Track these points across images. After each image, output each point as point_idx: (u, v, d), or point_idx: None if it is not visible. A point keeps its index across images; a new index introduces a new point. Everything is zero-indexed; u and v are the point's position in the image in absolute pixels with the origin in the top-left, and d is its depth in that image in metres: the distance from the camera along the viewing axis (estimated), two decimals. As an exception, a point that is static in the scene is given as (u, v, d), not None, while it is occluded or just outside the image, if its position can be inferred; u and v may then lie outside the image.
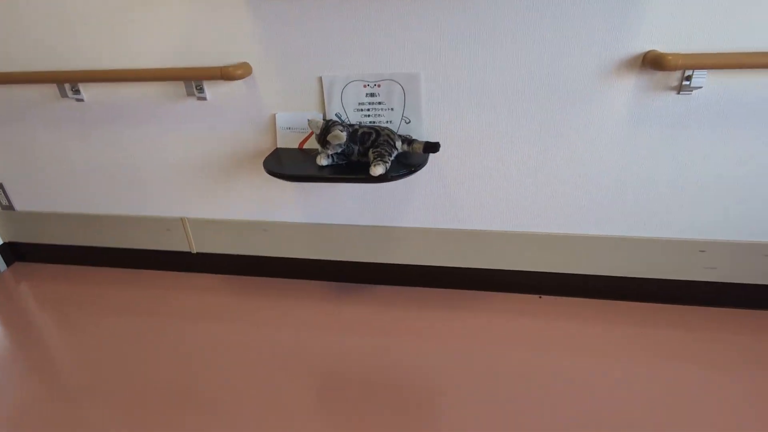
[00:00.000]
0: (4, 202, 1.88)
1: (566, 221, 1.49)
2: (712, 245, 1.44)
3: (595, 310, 1.57)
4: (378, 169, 1.25)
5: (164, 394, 1.35)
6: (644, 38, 1.19)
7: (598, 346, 1.43)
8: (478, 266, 1.63)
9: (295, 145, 1.50)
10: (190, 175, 1.65)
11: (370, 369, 1.39)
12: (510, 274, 1.62)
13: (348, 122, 1.42)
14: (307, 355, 1.46)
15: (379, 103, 1.40)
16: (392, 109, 1.40)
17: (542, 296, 1.65)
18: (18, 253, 2.03)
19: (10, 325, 1.68)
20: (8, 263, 2.02)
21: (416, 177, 1.50)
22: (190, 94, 1.48)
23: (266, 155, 1.47)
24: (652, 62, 1.17)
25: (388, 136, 1.32)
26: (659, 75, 1.23)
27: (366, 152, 1.33)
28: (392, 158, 1.31)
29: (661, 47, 1.19)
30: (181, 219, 1.76)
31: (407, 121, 1.41)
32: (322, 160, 1.34)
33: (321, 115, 1.44)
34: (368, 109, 1.42)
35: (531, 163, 1.42)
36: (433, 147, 1.33)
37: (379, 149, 1.29)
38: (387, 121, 1.42)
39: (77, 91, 1.54)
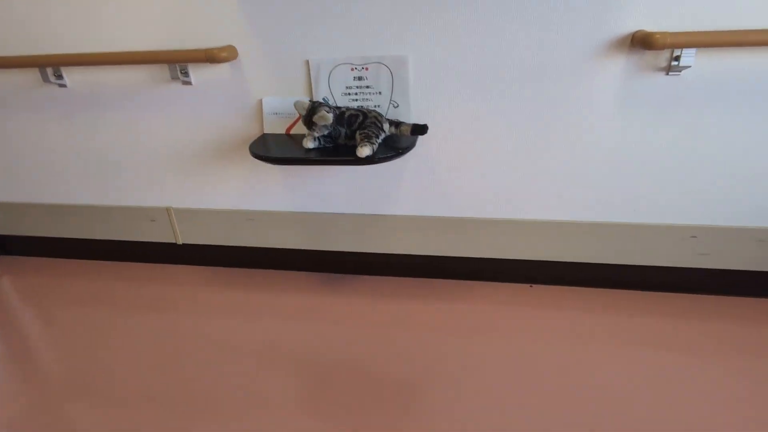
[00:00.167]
0: (-15, 193, 1.84)
1: (556, 207, 1.48)
2: (703, 230, 1.43)
3: (586, 299, 1.55)
4: (365, 150, 1.23)
5: (150, 387, 1.31)
6: (632, 18, 1.18)
7: (589, 335, 1.41)
8: (469, 255, 1.61)
9: (282, 131, 1.48)
10: (175, 163, 1.62)
11: (359, 360, 1.37)
12: (500, 262, 1.60)
13: (335, 105, 1.40)
14: (295, 347, 1.43)
15: (367, 86, 1.39)
16: (380, 92, 1.39)
17: (533, 285, 1.63)
18: (0, 245, 1.99)
19: None
20: (-11, 256, 1.98)
21: (405, 164, 1.48)
22: (174, 78, 1.45)
23: (252, 141, 1.44)
24: (641, 41, 1.16)
25: (376, 118, 1.31)
26: (648, 55, 1.22)
27: (353, 135, 1.31)
28: (379, 140, 1.29)
29: (650, 26, 1.18)
30: (167, 209, 1.73)
31: (395, 105, 1.40)
32: (309, 143, 1.31)
33: (307, 99, 1.42)
34: (356, 93, 1.40)
35: (521, 147, 1.40)
36: (420, 129, 1.31)
37: (366, 131, 1.27)
38: (375, 105, 1.40)
39: (60, 76, 1.51)
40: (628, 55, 1.23)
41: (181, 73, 1.43)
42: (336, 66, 1.37)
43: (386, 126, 1.32)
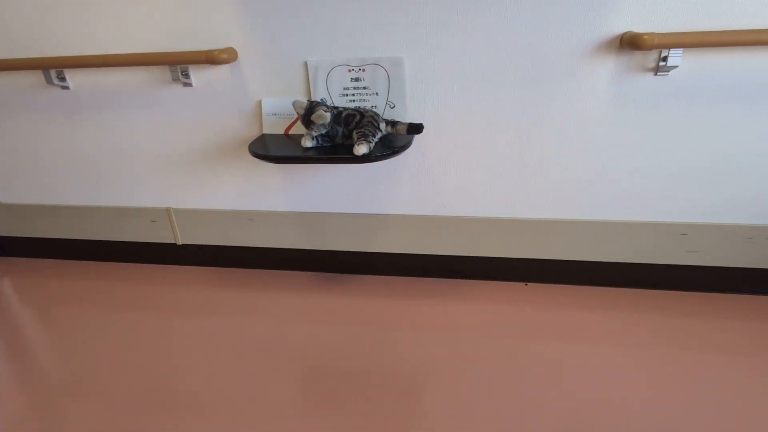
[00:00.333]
0: (-13, 194, 1.87)
1: (550, 206, 1.51)
2: (693, 228, 1.46)
3: (580, 297, 1.58)
4: (361, 148, 1.26)
5: (149, 387, 1.32)
6: (621, 19, 1.22)
7: (582, 332, 1.43)
8: (464, 254, 1.64)
9: (281, 131, 1.51)
10: (175, 164, 1.65)
11: (357, 359, 1.38)
12: (496, 261, 1.63)
13: (333, 105, 1.43)
14: (294, 347, 1.44)
15: (364, 87, 1.42)
16: (377, 93, 1.42)
17: (528, 283, 1.66)
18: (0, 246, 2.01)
19: None
20: (-10, 258, 2.00)
21: (401, 163, 1.51)
22: (175, 79, 1.48)
23: (252, 141, 1.47)
24: (630, 42, 1.20)
25: (372, 117, 1.34)
26: (637, 55, 1.25)
27: (350, 134, 1.34)
28: (376, 139, 1.32)
29: (638, 28, 1.22)
30: (167, 209, 1.75)
31: (392, 105, 1.43)
32: (307, 142, 1.34)
33: (305, 99, 1.45)
34: (353, 94, 1.43)
35: (514, 147, 1.43)
36: (416, 128, 1.35)
37: (362, 130, 1.30)
38: (372, 106, 1.43)
39: (63, 78, 1.54)
40: (617, 56, 1.26)
41: (182, 74, 1.46)
42: (334, 67, 1.41)
43: (383, 125, 1.35)
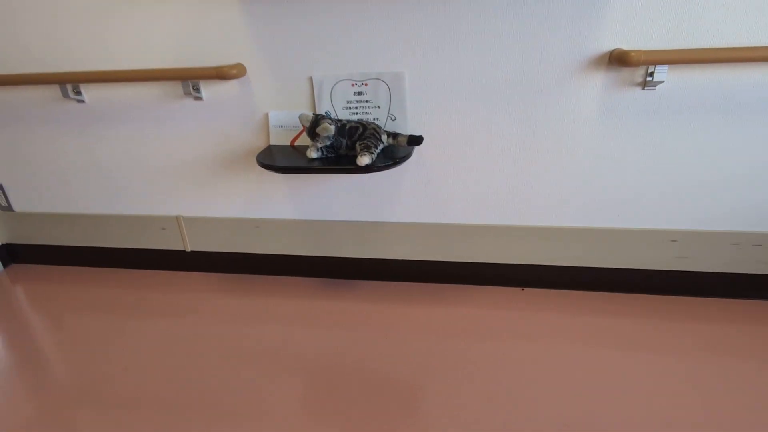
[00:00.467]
0: (4, 203, 1.93)
1: (545, 214, 1.57)
2: (683, 235, 1.52)
3: (575, 301, 1.63)
4: (364, 159, 1.33)
5: (158, 392, 1.36)
6: (610, 37, 1.29)
7: (578, 335, 1.48)
8: (463, 260, 1.70)
9: (287, 142, 1.57)
10: (185, 174, 1.72)
11: (359, 363, 1.43)
12: (493, 267, 1.69)
13: (337, 118, 1.50)
14: (299, 350, 1.49)
15: (367, 101, 1.49)
16: (379, 106, 1.49)
17: (525, 288, 1.72)
18: (14, 254, 2.07)
19: (5, 326, 1.70)
20: (5, 265, 2.06)
21: (402, 173, 1.58)
22: (187, 93, 1.55)
23: (259, 152, 1.54)
24: (618, 59, 1.27)
25: (374, 130, 1.41)
26: (625, 71, 1.32)
27: (353, 146, 1.40)
28: (378, 150, 1.39)
29: (625, 45, 1.29)
30: (176, 217, 1.82)
31: (393, 118, 1.50)
32: (312, 153, 1.41)
33: (311, 112, 1.52)
34: (356, 107, 1.50)
35: (510, 158, 1.50)
36: (416, 140, 1.41)
37: (365, 141, 1.37)
38: (374, 119, 1.50)
39: (78, 92, 1.62)
40: (606, 72, 1.33)
41: (193, 89, 1.54)
42: (337, 82, 1.48)
43: (384, 137, 1.42)
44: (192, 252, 1.88)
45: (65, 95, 1.62)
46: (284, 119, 1.56)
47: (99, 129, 1.69)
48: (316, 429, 1.22)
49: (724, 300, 1.59)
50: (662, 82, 1.30)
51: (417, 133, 1.47)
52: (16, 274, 2.01)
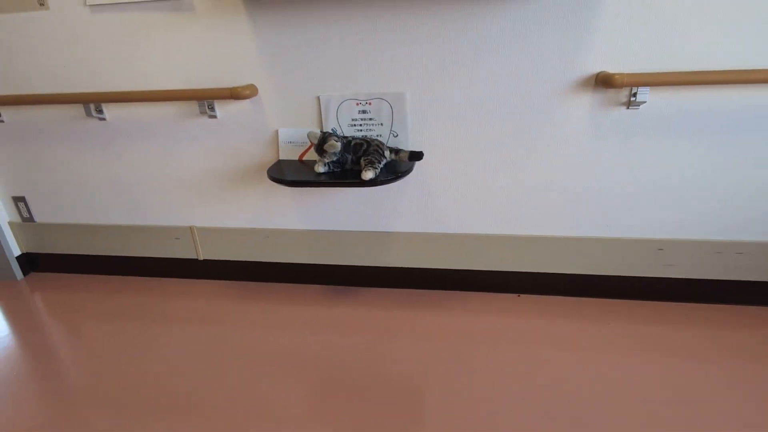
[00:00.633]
0: (25, 214, 2.04)
1: (540, 224, 1.67)
2: (668, 244, 1.61)
3: (568, 307, 1.72)
4: (368, 174, 1.43)
5: (174, 399, 1.40)
6: (595, 61, 1.40)
7: (571, 340, 1.56)
8: (461, 267, 1.79)
9: (296, 157, 1.68)
10: (199, 187, 1.82)
11: (364, 365, 1.49)
12: (490, 274, 1.78)
13: (342, 135, 1.60)
14: (307, 354, 1.55)
15: (370, 119, 1.59)
16: (382, 124, 1.59)
17: (521, 295, 1.80)
18: (34, 263, 2.17)
19: (24, 332, 1.76)
20: (25, 273, 2.16)
21: (403, 186, 1.68)
22: (202, 112, 1.66)
23: (269, 166, 1.64)
24: (603, 81, 1.37)
25: (378, 146, 1.51)
26: (610, 92, 1.43)
27: (358, 161, 1.50)
28: (381, 165, 1.49)
29: (610, 68, 1.39)
30: (190, 228, 1.92)
31: (395, 134, 1.60)
32: (320, 168, 1.51)
33: (318, 130, 1.63)
34: (360, 124, 1.60)
35: (505, 172, 1.60)
36: (417, 155, 1.51)
37: (369, 157, 1.47)
38: (377, 135, 1.61)
39: (100, 111, 1.73)
40: (593, 93, 1.44)
41: (208, 108, 1.64)
42: (343, 101, 1.58)
43: (387, 153, 1.52)
44: (204, 260, 1.98)
45: (88, 114, 1.73)
46: (293, 136, 1.66)
47: (119, 145, 1.79)
48: (323, 429, 1.27)
49: (709, 305, 1.68)
50: (644, 102, 1.40)
51: (417, 149, 1.57)
52: (35, 283, 2.10)
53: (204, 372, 1.51)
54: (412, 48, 1.47)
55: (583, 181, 1.57)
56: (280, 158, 1.69)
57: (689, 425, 1.24)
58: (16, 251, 2.13)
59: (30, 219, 2.05)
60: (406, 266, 1.83)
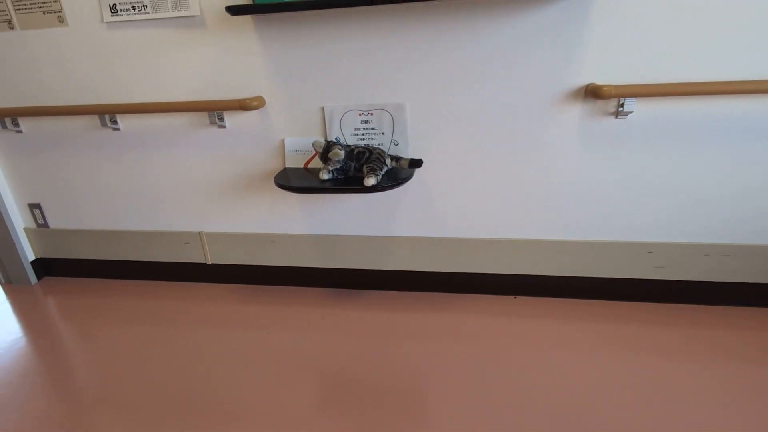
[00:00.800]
0: (41, 220, 2.12)
1: (535, 228, 1.74)
2: (658, 246, 1.68)
3: (562, 308, 1.78)
4: (370, 180, 1.50)
5: (182, 400, 1.44)
6: (584, 74, 1.47)
7: (566, 340, 1.61)
8: (460, 270, 1.86)
9: (301, 165, 1.75)
10: (208, 194, 1.90)
11: (367, 366, 1.54)
12: (488, 277, 1.85)
13: (346, 144, 1.68)
14: (312, 356, 1.60)
15: (372, 128, 1.67)
16: (383, 133, 1.67)
17: (517, 297, 1.87)
18: (48, 268, 2.25)
19: (38, 335, 1.80)
20: (39, 277, 2.23)
21: (404, 192, 1.75)
22: (212, 123, 1.74)
23: (276, 174, 1.72)
24: (592, 93, 1.45)
25: (380, 154, 1.58)
26: (599, 103, 1.50)
27: (361, 168, 1.58)
28: (383, 173, 1.57)
29: (599, 80, 1.47)
30: (199, 233, 1.99)
31: (396, 143, 1.68)
32: (324, 175, 1.59)
33: (323, 139, 1.71)
34: (363, 134, 1.68)
35: (500, 179, 1.67)
36: (416, 163, 1.59)
37: (371, 164, 1.55)
38: (379, 144, 1.68)
39: (115, 122, 1.81)
40: (583, 103, 1.51)
41: (218, 118, 1.73)
42: (346, 112, 1.66)
43: (388, 161, 1.60)
44: (212, 264, 2.05)
45: (103, 124, 1.81)
46: (298, 145, 1.74)
47: (132, 154, 1.88)
48: (327, 429, 1.31)
49: (698, 306, 1.74)
50: (632, 112, 1.48)
51: (417, 157, 1.65)
52: (48, 287, 2.17)
53: (214, 374, 1.55)
54: (411, 62, 1.55)
55: (575, 187, 1.64)
56: (286, 166, 1.77)
57: (677, 424, 1.27)
58: (31, 256, 2.20)
59: (45, 225, 2.13)
60: (406, 269, 1.90)
